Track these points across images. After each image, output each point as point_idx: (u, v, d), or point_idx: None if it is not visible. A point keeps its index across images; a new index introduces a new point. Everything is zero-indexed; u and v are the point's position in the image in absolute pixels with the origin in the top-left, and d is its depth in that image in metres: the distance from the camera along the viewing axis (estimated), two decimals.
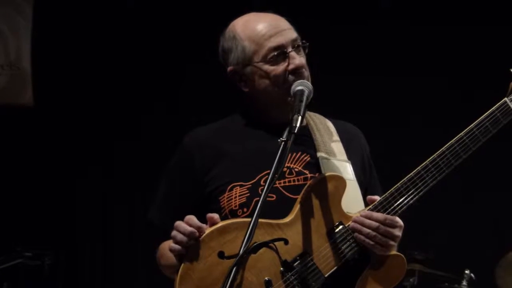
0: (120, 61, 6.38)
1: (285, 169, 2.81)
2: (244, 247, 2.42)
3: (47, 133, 6.32)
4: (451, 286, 5.50)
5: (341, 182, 2.78)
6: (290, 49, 2.82)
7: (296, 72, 2.81)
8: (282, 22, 2.87)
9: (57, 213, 6.30)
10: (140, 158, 6.30)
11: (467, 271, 5.43)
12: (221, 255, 2.60)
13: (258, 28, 2.84)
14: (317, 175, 2.82)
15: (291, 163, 2.85)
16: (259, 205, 2.47)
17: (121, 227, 6.33)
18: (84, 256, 6.40)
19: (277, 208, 2.74)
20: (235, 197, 2.79)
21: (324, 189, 2.75)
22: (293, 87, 2.75)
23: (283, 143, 2.55)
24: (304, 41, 2.87)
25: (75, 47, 6.37)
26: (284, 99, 2.80)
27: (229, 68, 2.88)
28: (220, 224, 2.64)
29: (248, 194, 2.79)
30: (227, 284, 2.40)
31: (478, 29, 6.24)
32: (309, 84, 2.76)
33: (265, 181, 2.62)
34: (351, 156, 2.93)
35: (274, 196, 2.77)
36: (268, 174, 2.52)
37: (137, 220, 6.19)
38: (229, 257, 2.57)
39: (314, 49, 2.89)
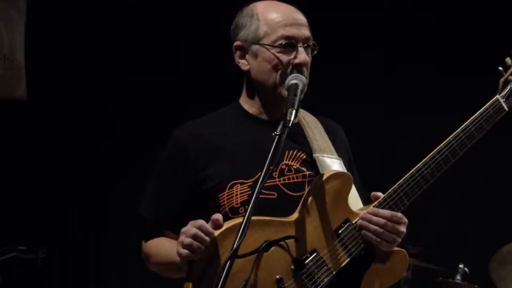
0: (114, 56, 6.37)
1: (283, 166, 2.83)
2: (239, 240, 2.41)
3: (40, 126, 6.30)
4: (445, 280, 5.51)
5: (347, 180, 2.81)
6: (300, 44, 2.84)
7: (298, 68, 2.82)
8: (300, 17, 2.90)
9: (50, 206, 6.29)
10: (131, 152, 6.29)
11: (461, 265, 5.44)
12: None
13: (277, 14, 2.87)
14: (322, 172, 2.83)
15: (289, 161, 2.86)
16: (253, 198, 2.47)
17: (114, 219, 6.32)
18: (78, 249, 6.39)
19: (278, 206, 2.76)
20: (236, 195, 2.78)
21: (331, 187, 2.77)
22: (287, 80, 2.76)
23: (277, 137, 2.56)
24: (314, 43, 2.88)
25: (69, 41, 6.35)
26: (276, 87, 2.82)
27: (236, 42, 2.91)
28: (233, 223, 2.62)
29: (250, 192, 2.77)
30: (221, 277, 2.38)
31: (477, 29, 6.25)
32: (303, 78, 2.77)
33: (267, 178, 2.65)
34: (339, 154, 2.95)
35: (275, 193, 2.78)
36: (268, 170, 2.52)
37: (130, 212, 6.18)
38: (242, 256, 2.59)
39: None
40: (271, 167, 2.50)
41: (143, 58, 6.37)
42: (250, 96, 2.93)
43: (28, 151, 6.29)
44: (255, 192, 2.47)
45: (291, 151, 2.87)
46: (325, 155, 2.89)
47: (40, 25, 6.30)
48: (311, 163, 2.87)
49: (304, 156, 2.88)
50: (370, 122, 6.19)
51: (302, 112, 3.00)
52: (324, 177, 2.78)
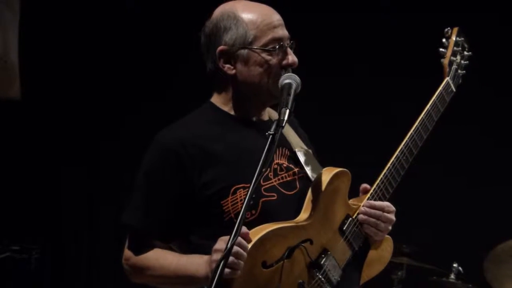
0: (109, 57, 6.37)
1: (275, 166, 2.83)
2: (232, 240, 2.40)
3: (35, 126, 6.30)
4: (439, 280, 5.51)
5: (346, 176, 2.85)
6: (286, 44, 2.84)
7: (288, 69, 2.82)
8: (279, 16, 2.88)
9: (43, 207, 6.29)
10: (126, 154, 6.26)
11: (455, 265, 5.44)
12: (264, 264, 2.61)
13: (261, 15, 2.83)
14: (306, 167, 2.87)
15: (279, 159, 2.86)
16: (247, 198, 2.44)
17: (107, 221, 6.31)
18: (71, 250, 6.39)
19: (280, 207, 2.76)
20: (241, 200, 2.74)
21: (332, 184, 2.80)
22: (280, 80, 2.74)
23: (271, 136, 2.55)
24: (293, 41, 2.88)
25: (64, 41, 6.35)
26: (270, 90, 2.80)
27: (221, 47, 2.83)
28: (261, 234, 2.61)
29: (254, 195, 2.74)
30: (215, 278, 2.38)
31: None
32: (297, 77, 2.75)
33: (264, 180, 2.69)
34: (305, 144, 2.99)
35: (275, 195, 2.78)
36: (267, 172, 2.53)
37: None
38: (271, 266, 2.61)
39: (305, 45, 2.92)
40: (264, 169, 2.49)
41: (140, 57, 6.37)
42: (235, 99, 2.88)
43: (22, 151, 6.29)
44: (248, 193, 2.45)
45: (279, 149, 2.87)
46: (300, 148, 2.92)
47: (34, 24, 6.29)
48: (294, 159, 2.89)
49: (288, 152, 2.89)
50: (370, 121, 6.21)
51: (268, 109, 2.98)
52: (324, 175, 2.81)
